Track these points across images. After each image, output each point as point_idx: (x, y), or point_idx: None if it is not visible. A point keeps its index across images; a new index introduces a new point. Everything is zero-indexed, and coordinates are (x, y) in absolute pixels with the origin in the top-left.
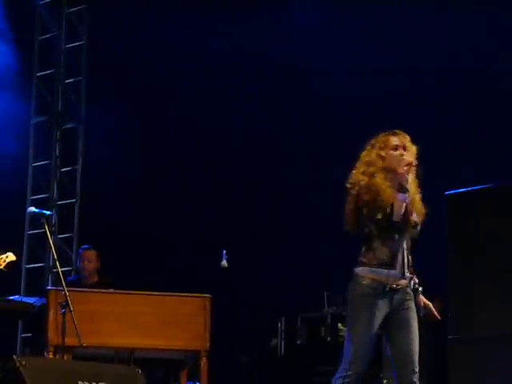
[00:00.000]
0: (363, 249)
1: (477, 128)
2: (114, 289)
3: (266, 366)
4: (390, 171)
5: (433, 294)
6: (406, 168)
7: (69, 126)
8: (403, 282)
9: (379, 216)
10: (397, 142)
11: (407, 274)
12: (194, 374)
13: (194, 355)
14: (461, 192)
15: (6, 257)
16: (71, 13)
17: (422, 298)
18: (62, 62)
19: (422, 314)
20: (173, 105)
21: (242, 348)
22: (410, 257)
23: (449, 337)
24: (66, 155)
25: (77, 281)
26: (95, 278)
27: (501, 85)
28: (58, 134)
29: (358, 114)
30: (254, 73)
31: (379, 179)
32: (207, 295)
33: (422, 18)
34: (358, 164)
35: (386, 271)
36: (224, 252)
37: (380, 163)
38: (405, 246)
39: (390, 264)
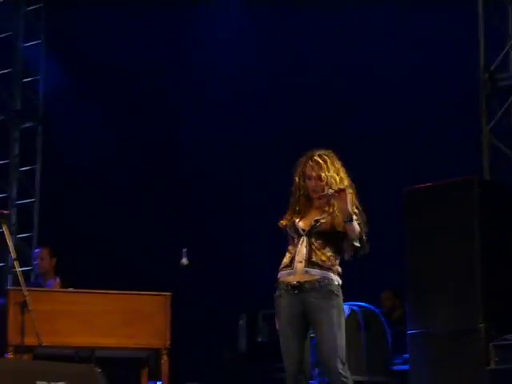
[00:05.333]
0: None
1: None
2: (74, 288)
3: (227, 362)
4: None
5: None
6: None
7: (27, 125)
8: (306, 277)
9: None
10: None
11: (307, 269)
12: (155, 372)
13: (155, 353)
14: (418, 187)
15: None
16: (28, 11)
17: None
18: (19, 61)
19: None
20: (132, 105)
21: (203, 346)
22: (318, 255)
23: (408, 332)
24: (25, 154)
25: (37, 283)
26: (53, 278)
27: (450, 84)
28: (17, 133)
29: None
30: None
31: None
32: (167, 293)
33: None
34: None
35: (285, 272)
36: (184, 250)
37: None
38: (306, 245)
39: (289, 265)
